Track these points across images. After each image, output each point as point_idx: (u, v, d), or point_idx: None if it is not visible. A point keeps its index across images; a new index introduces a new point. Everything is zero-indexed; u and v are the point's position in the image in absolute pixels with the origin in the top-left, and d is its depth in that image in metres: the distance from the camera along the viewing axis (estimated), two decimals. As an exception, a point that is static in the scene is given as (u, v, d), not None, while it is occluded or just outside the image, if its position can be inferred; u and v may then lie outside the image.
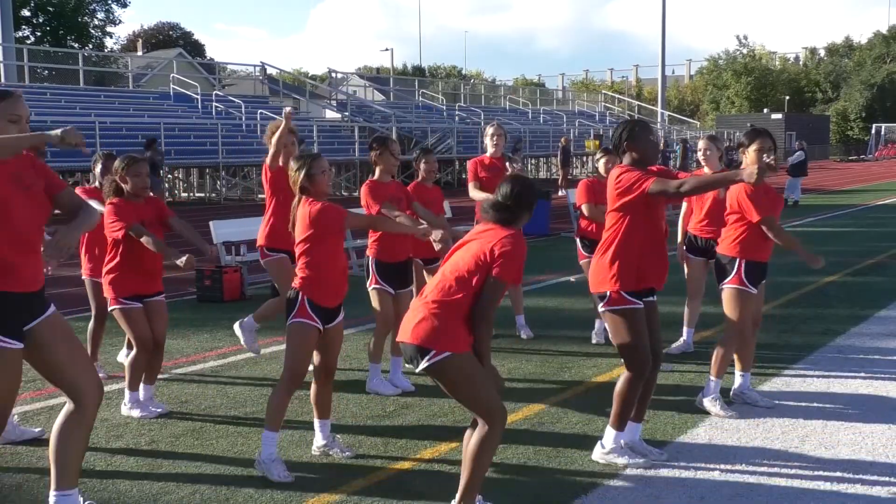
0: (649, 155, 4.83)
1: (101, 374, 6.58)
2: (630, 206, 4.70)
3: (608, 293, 4.77)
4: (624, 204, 4.71)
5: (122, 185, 5.71)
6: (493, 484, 4.56)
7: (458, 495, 4.04)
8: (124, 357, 6.80)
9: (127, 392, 5.85)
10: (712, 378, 5.75)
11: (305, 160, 4.83)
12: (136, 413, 5.81)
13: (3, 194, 3.63)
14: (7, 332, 3.66)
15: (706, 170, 7.07)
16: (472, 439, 4.01)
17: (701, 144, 7.24)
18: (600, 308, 4.88)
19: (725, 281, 5.66)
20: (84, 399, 3.89)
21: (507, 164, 8.27)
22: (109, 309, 5.85)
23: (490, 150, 8.16)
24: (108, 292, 5.78)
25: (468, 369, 3.93)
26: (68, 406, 3.93)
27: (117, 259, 5.71)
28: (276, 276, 6.67)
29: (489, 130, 8.23)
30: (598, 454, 4.89)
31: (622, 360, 4.70)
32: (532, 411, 5.81)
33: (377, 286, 6.26)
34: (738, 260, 5.60)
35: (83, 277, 6.69)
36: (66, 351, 3.88)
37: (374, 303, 6.28)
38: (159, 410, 5.88)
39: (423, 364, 3.91)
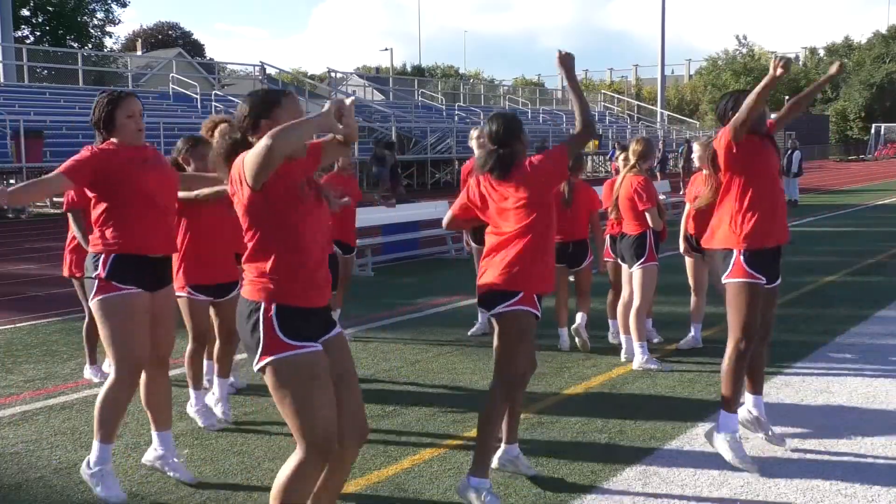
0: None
1: (98, 378, 6.59)
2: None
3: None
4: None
5: (185, 167, 5.38)
6: (493, 484, 4.56)
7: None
8: (89, 372, 6.70)
9: (192, 392, 5.60)
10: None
11: None
12: (200, 421, 5.50)
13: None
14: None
15: (705, 172, 7.19)
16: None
17: (696, 149, 7.42)
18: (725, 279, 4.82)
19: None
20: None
21: None
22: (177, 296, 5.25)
23: (477, 153, 8.14)
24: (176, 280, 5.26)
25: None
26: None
27: (185, 244, 5.37)
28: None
29: (473, 133, 8.09)
30: (713, 437, 4.85)
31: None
32: (531, 411, 5.80)
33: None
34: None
35: (72, 278, 6.62)
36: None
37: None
38: (224, 418, 5.58)
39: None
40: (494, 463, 4.56)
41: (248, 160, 3.14)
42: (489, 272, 4.35)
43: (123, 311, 4.26)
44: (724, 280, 4.81)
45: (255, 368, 3.33)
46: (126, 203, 4.30)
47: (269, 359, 3.27)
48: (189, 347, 5.55)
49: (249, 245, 3.33)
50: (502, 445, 4.67)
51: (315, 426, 3.29)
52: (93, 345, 6.68)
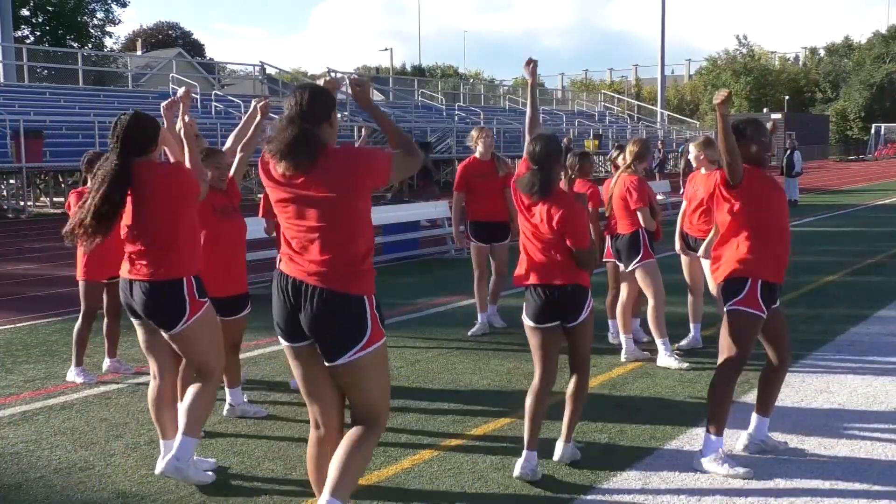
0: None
1: (81, 379, 6.57)
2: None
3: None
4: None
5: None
6: (492, 484, 4.57)
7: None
8: (73, 373, 6.66)
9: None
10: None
11: None
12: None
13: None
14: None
15: (703, 171, 7.21)
16: (569, 386, 4.91)
17: (692, 150, 7.41)
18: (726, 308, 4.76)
19: None
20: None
21: (496, 164, 8.19)
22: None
23: (480, 151, 8.16)
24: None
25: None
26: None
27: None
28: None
29: (475, 134, 8.24)
30: (700, 463, 4.76)
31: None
32: (532, 411, 5.80)
33: None
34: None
35: (78, 279, 6.64)
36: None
37: None
38: (256, 412, 5.82)
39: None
40: (556, 455, 4.85)
41: (401, 164, 3.65)
42: (555, 268, 4.70)
43: (216, 324, 4.66)
44: (730, 306, 4.68)
45: (359, 356, 3.58)
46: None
47: (378, 343, 3.65)
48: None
49: (337, 239, 3.58)
50: (559, 443, 4.90)
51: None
52: (81, 347, 6.65)
